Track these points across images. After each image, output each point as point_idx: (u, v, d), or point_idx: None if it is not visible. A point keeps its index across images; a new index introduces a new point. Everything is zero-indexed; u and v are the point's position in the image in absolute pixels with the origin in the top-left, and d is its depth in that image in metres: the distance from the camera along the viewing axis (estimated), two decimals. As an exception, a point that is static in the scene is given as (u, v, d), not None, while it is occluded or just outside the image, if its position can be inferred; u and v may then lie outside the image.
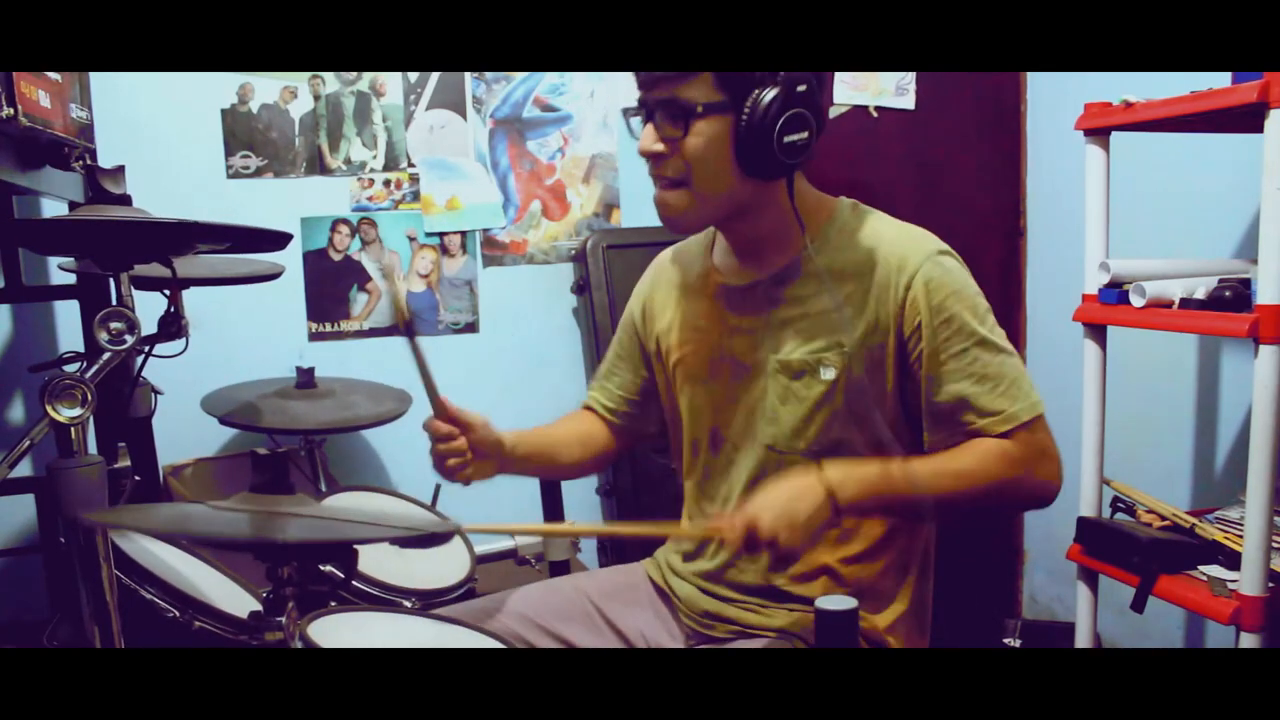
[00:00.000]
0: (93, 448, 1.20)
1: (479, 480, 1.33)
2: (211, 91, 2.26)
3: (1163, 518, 1.70)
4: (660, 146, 1.20)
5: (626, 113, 1.26)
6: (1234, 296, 1.53)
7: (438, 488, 1.98)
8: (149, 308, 1.30)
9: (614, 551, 2.41)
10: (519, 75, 2.43)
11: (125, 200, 1.33)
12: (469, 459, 1.31)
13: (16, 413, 2.23)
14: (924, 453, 1.23)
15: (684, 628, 1.38)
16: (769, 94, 1.13)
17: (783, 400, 1.26)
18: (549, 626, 1.39)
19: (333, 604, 1.23)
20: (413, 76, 2.37)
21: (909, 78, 2.50)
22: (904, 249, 1.22)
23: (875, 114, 2.50)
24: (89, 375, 1.15)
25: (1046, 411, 1.22)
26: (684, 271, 1.40)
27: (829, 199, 1.30)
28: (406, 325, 1.42)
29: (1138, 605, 1.59)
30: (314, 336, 2.37)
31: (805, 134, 1.15)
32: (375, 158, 2.37)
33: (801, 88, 1.14)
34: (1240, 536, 1.51)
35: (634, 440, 1.53)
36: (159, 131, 2.22)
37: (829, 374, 1.22)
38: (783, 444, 1.26)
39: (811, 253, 1.24)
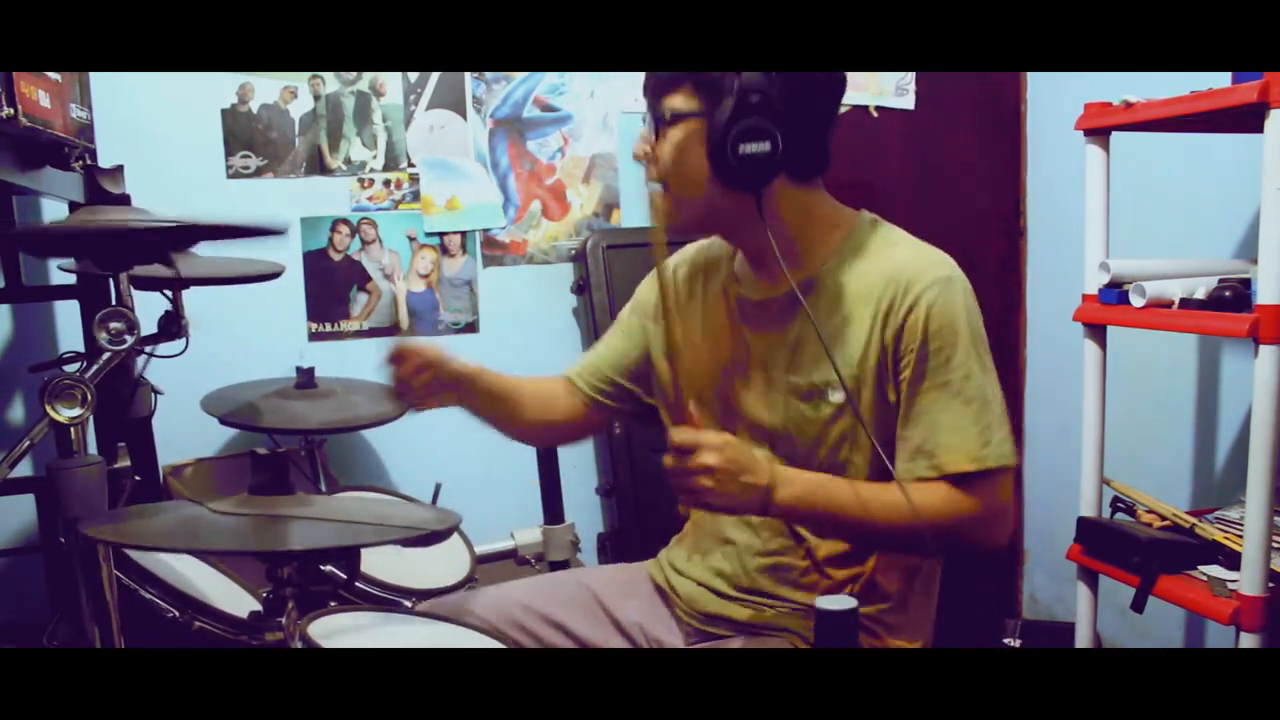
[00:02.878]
0: (93, 448, 1.20)
1: (433, 407, 1.36)
2: (211, 91, 2.26)
3: (1163, 518, 1.70)
4: (643, 151, 1.26)
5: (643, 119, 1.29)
6: (1234, 296, 1.53)
7: (438, 488, 1.98)
8: (149, 308, 1.30)
9: (614, 552, 2.41)
10: (519, 75, 2.43)
11: (124, 200, 1.33)
12: (422, 378, 1.32)
13: (16, 413, 2.23)
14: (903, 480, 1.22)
15: (683, 625, 1.38)
16: (728, 103, 1.14)
17: (792, 420, 1.26)
18: (549, 614, 1.39)
19: (332, 604, 1.24)
20: (413, 76, 2.37)
21: (909, 78, 2.50)
22: (913, 271, 1.20)
23: (875, 114, 2.50)
24: (89, 375, 1.15)
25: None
26: (705, 278, 1.40)
27: (848, 213, 1.29)
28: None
29: (1138, 605, 1.59)
30: (314, 336, 2.37)
31: (765, 145, 1.14)
32: (375, 158, 2.37)
33: (755, 98, 1.13)
34: (1240, 536, 1.51)
35: (603, 421, 1.51)
36: (159, 131, 2.22)
37: (837, 397, 1.22)
38: (792, 463, 1.25)
39: (824, 271, 1.24)
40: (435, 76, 2.39)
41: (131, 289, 1.41)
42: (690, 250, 1.46)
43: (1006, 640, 2.17)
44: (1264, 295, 1.42)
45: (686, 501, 1.18)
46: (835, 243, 1.26)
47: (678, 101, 1.20)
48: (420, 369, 1.32)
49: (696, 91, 1.18)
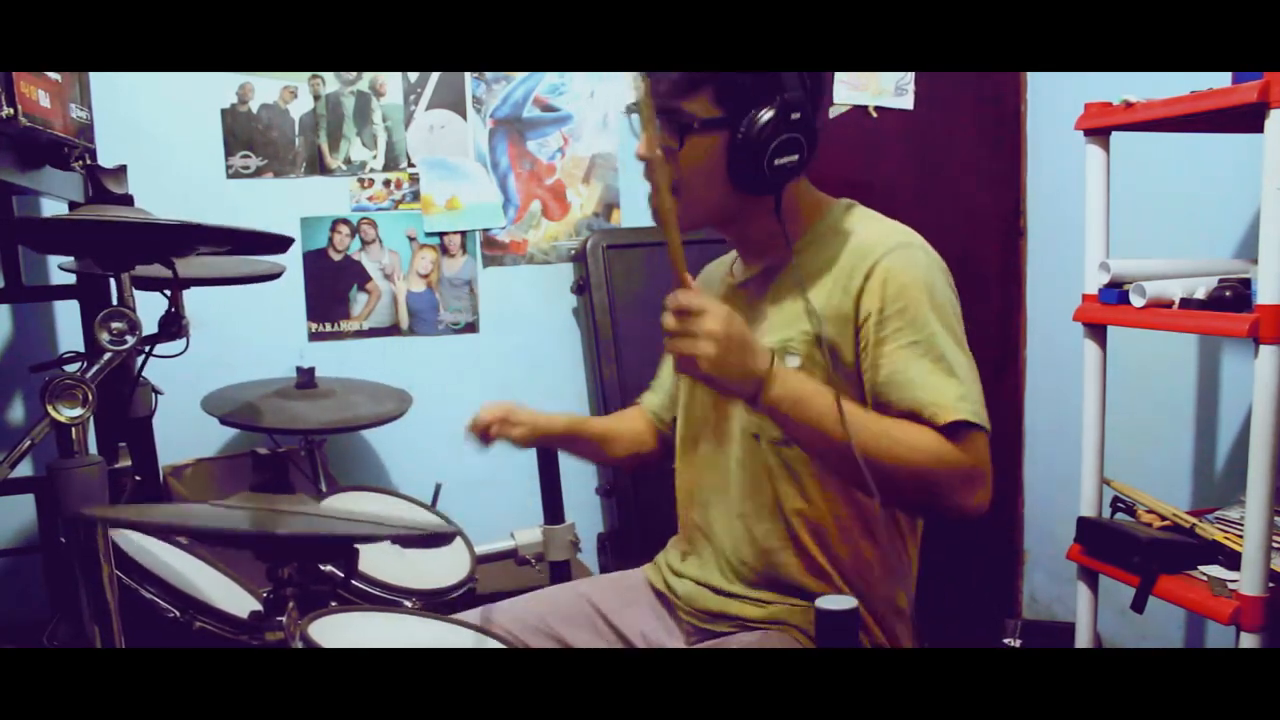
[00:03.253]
0: (93, 448, 1.20)
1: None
2: (211, 91, 2.26)
3: (1163, 518, 1.70)
4: (654, 153, 1.21)
5: (629, 109, 1.27)
6: (1234, 296, 1.53)
7: (438, 488, 1.98)
8: (149, 307, 1.30)
9: (614, 552, 2.41)
10: (519, 75, 2.44)
11: (127, 200, 1.33)
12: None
13: (16, 413, 2.23)
14: None
15: (684, 626, 1.38)
16: (764, 116, 1.16)
17: None
18: (549, 629, 1.40)
19: (333, 604, 1.23)
20: (413, 76, 2.37)
21: (908, 78, 2.50)
22: (874, 239, 1.23)
23: (875, 114, 2.50)
24: (89, 375, 1.15)
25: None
26: (714, 280, 1.45)
27: (827, 199, 1.33)
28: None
29: (1138, 605, 1.59)
30: (314, 336, 2.38)
31: (796, 157, 1.19)
32: (375, 158, 2.37)
33: (795, 115, 1.17)
34: (1240, 536, 1.51)
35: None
36: (159, 131, 2.22)
37: (794, 361, 1.23)
38: (762, 431, 1.27)
39: (797, 249, 1.27)
40: (435, 76, 2.39)
41: (132, 289, 1.42)
42: (709, 267, 1.49)
43: (1006, 640, 2.16)
44: (1264, 295, 1.42)
45: (684, 368, 1.11)
46: (811, 223, 1.30)
47: (699, 108, 1.20)
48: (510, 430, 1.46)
49: (719, 99, 1.19)
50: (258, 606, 1.10)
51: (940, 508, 1.16)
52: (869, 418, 1.16)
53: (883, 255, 1.20)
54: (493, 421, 1.46)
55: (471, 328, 2.47)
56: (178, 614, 1.28)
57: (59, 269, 1.94)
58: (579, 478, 2.42)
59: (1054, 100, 2.45)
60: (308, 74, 2.31)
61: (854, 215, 1.30)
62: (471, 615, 1.42)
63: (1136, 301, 1.64)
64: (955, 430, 1.15)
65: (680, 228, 1.25)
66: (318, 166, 2.34)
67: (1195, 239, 2.01)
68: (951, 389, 1.16)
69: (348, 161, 2.36)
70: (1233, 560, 1.53)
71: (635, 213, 2.51)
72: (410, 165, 2.39)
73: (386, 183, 2.38)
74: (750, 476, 1.30)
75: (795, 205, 1.28)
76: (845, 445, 1.11)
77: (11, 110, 1.32)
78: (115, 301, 1.38)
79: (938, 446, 1.14)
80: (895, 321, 1.18)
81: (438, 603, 1.56)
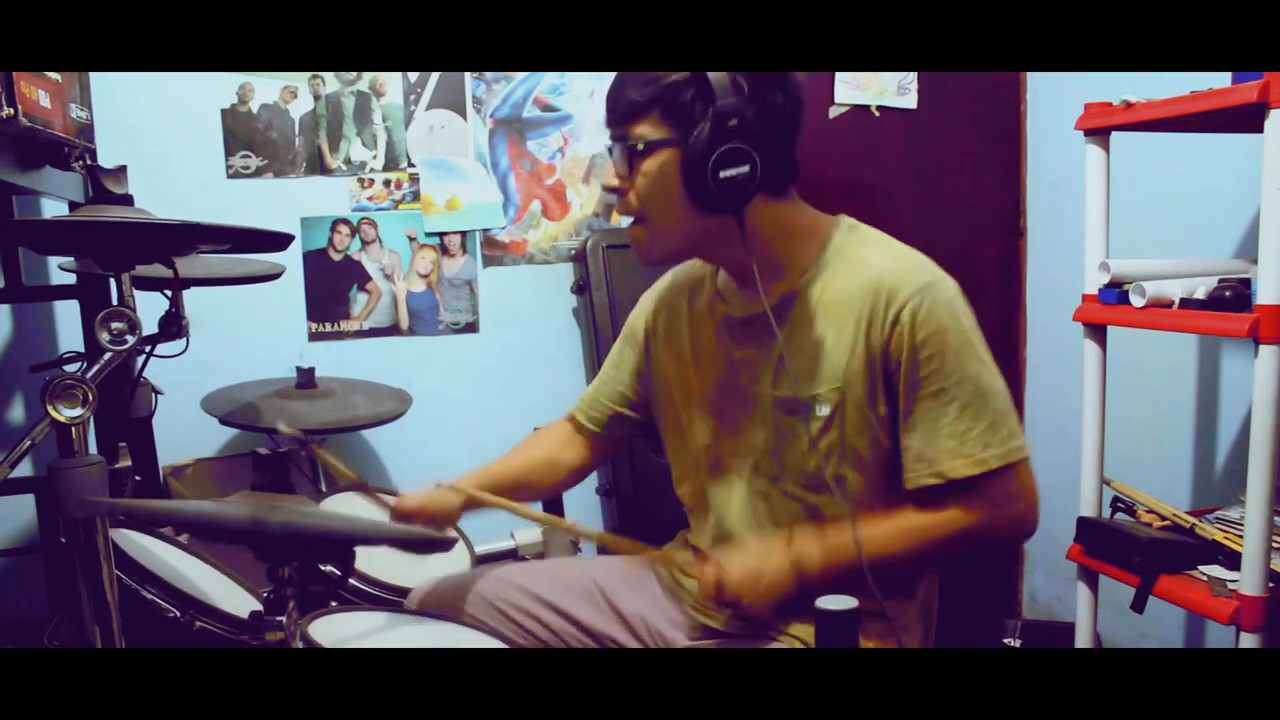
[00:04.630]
0: (93, 448, 1.20)
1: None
2: (211, 91, 2.26)
3: (1163, 518, 1.70)
4: (615, 182, 1.24)
5: (609, 149, 1.28)
6: (1234, 296, 1.53)
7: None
8: (149, 307, 1.30)
9: (614, 552, 2.40)
10: (519, 75, 2.44)
11: (127, 200, 1.33)
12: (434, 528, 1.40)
13: (17, 413, 2.23)
14: (909, 489, 1.22)
15: (688, 617, 1.38)
16: (704, 129, 1.13)
17: (782, 435, 1.25)
18: (552, 600, 1.40)
19: (333, 604, 1.24)
20: (413, 76, 2.37)
21: (910, 77, 2.50)
22: (895, 279, 1.19)
23: (877, 114, 2.50)
24: (90, 375, 1.15)
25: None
26: (690, 296, 1.39)
27: (825, 220, 1.28)
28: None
29: (1138, 605, 1.59)
30: (314, 336, 2.38)
31: (745, 168, 1.13)
32: (375, 158, 2.37)
33: (733, 122, 1.12)
34: (1240, 536, 1.51)
35: (612, 450, 1.57)
36: (159, 131, 2.23)
37: (824, 410, 1.21)
38: (785, 478, 1.26)
39: (806, 280, 1.23)
40: (435, 76, 2.39)
41: (133, 289, 1.42)
42: (676, 271, 1.46)
43: (1006, 640, 2.16)
44: (1264, 295, 1.42)
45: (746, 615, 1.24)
46: (814, 253, 1.25)
47: (647, 130, 1.18)
48: (428, 520, 1.38)
49: (665, 119, 1.17)
50: (258, 606, 1.10)
51: (998, 543, 1.22)
52: (893, 523, 1.20)
53: (908, 299, 1.18)
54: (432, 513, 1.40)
55: (471, 328, 2.47)
56: (178, 614, 1.28)
57: (59, 269, 1.94)
58: (579, 478, 2.42)
59: (1054, 100, 2.45)
60: (308, 74, 2.31)
61: (859, 240, 1.26)
62: (477, 579, 1.44)
63: (1136, 301, 1.64)
64: (977, 481, 1.18)
65: (655, 259, 1.27)
66: (318, 166, 2.34)
67: (1195, 239, 2.01)
68: (976, 438, 1.18)
69: (348, 161, 2.36)
70: (1233, 560, 1.53)
71: (635, 213, 2.50)
72: (410, 165, 2.39)
73: (386, 183, 2.38)
74: (772, 522, 1.28)
75: (789, 227, 1.24)
76: (889, 558, 1.20)
77: (11, 110, 1.32)
78: (115, 301, 1.38)
79: (963, 510, 1.19)
80: (924, 369, 1.18)
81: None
